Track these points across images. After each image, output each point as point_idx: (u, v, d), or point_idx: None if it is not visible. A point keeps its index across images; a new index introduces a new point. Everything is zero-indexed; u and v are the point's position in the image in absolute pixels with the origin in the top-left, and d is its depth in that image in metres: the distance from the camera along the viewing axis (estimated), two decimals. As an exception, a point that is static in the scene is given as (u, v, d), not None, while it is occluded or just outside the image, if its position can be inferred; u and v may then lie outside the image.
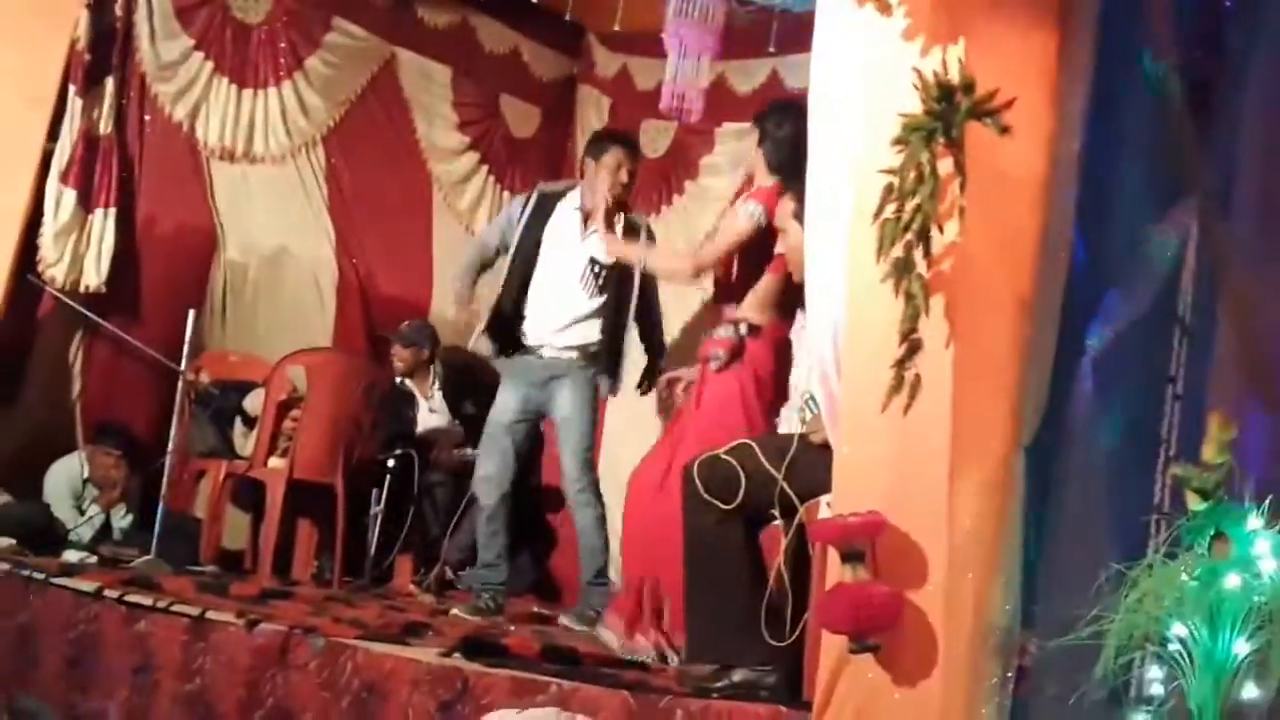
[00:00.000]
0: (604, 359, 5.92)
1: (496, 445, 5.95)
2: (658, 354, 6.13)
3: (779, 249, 4.68)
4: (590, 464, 5.97)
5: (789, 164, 4.76)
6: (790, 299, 4.71)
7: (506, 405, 5.97)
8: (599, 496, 5.93)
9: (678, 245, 7.63)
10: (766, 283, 4.88)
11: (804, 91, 4.02)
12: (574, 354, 5.91)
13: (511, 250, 5.98)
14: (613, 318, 5.92)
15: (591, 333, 5.91)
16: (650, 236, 5.96)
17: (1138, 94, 3.63)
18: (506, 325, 5.95)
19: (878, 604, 3.21)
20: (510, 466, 5.95)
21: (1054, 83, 3.37)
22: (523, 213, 6.00)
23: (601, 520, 5.90)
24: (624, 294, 5.91)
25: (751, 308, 4.88)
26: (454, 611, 5.77)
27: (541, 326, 5.92)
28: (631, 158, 5.93)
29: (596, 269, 5.91)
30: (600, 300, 5.90)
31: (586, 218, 5.87)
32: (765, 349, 4.84)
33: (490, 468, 5.94)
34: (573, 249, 5.93)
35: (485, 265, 6.16)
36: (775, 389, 4.79)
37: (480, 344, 6.05)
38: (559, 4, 6.44)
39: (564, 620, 5.78)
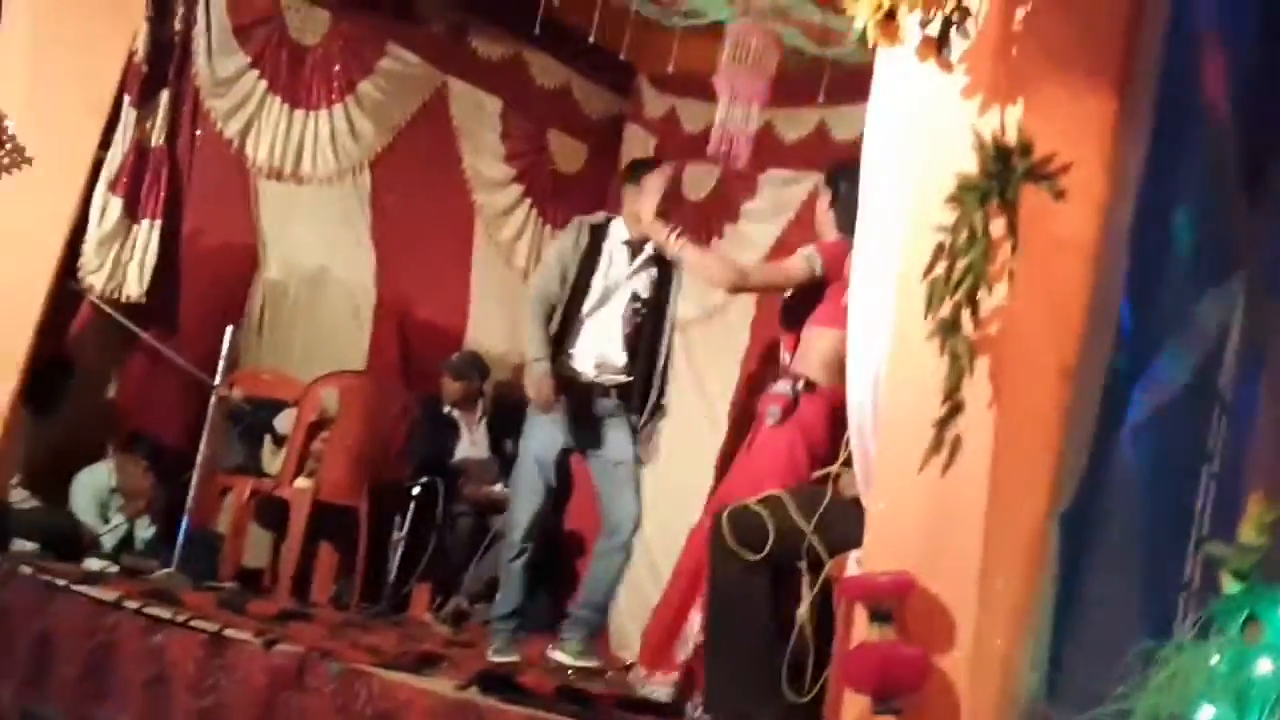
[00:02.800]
0: (636, 399, 5.75)
1: (540, 482, 5.69)
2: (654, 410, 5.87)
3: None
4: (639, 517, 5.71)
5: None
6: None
7: (549, 440, 5.70)
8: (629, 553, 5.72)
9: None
10: (828, 341, 4.70)
11: (851, 142, 4.01)
12: (617, 394, 5.70)
13: (570, 285, 5.72)
14: (647, 357, 5.77)
15: (628, 371, 5.72)
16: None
17: (1192, 164, 3.61)
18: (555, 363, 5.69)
19: (903, 665, 3.17)
20: (549, 505, 5.78)
21: (1110, 148, 3.35)
22: (576, 246, 5.77)
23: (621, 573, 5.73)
24: (658, 332, 5.77)
25: (811, 366, 4.75)
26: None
27: (589, 363, 5.70)
28: (671, 181, 5.78)
29: (638, 305, 5.76)
30: (635, 338, 5.74)
31: (634, 251, 5.75)
32: (819, 409, 4.72)
33: (534, 506, 5.69)
34: (620, 284, 5.74)
35: (552, 317, 5.74)
36: (827, 450, 4.61)
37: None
38: (613, 43, 6.45)
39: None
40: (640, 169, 5.83)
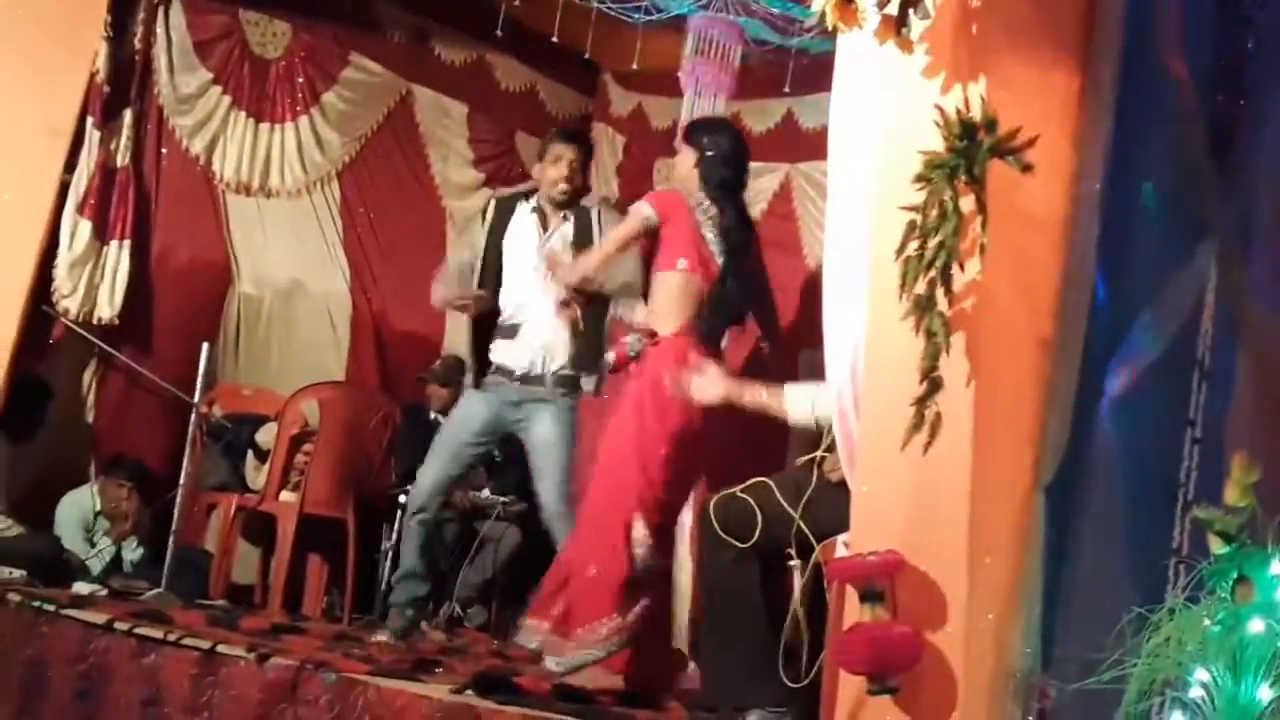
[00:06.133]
0: (581, 369, 5.55)
1: (446, 457, 5.62)
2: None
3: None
4: (568, 494, 5.52)
5: (726, 180, 4.98)
6: (692, 300, 4.85)
7: (471, 419, 5.62)
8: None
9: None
10: (663, 285, 4.90)
11: (819, 130, 4.03)
12: (551, 376, 5.53)
13: (479, 263, 5.66)
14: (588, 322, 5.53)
15: (561, 348, 5.53)
16: (599, 217, 5.65)
17: (1159, 134, 3.62)
18: (480, 344, 5.65)
19: (897, 644, 3.18)
20: (454, 483, 5.84)
21: (1076, 121, 3.36)
22: (484, 222, 5.72)
23: None
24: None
25: (653, 314, 4.92)
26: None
27: (512, 343, 5.58)
28: (571, 149, 5.65)
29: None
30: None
31: (543, 218, 5.64)
32: (664, 355, 4.82)
33: (438, 476, 5.63)
34: (533, 255, 5.60)
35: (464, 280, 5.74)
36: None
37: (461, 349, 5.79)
38: (577, 42, 6.45)
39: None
40: (542, 145, 5.84)
